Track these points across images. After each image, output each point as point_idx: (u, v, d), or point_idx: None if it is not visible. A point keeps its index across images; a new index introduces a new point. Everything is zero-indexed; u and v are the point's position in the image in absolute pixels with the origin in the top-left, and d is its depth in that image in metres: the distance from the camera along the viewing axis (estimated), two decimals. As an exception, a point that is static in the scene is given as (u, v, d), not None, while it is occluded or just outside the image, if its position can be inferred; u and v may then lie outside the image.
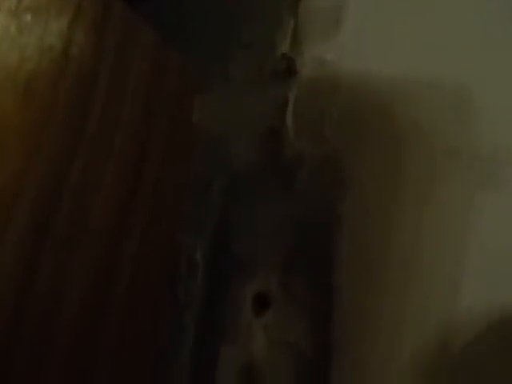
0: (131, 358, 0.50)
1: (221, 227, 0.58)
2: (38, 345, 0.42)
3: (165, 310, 0.54)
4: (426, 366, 0.44)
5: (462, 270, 0.46)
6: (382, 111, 0.51)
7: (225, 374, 0.49)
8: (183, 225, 0.58)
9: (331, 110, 0.54)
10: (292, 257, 0.52)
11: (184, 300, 0.57)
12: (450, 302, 0.44)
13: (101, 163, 0.43)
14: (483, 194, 0.45)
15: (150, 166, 0.48)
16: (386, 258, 0.48)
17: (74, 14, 0.42)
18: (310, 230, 0.52)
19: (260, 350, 0.49)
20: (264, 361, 0.48)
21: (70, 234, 0.41)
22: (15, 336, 0.39)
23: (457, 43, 0.49)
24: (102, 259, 0.46)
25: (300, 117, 0.56)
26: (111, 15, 0.46)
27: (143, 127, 0.49)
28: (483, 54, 0.48)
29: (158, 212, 0.52)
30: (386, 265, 0.48)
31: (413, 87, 0.50)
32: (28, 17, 0.39)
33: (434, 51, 0.50)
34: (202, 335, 0.53)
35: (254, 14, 0.60)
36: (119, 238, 0.45)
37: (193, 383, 0.51)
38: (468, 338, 0.43)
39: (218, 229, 0.58)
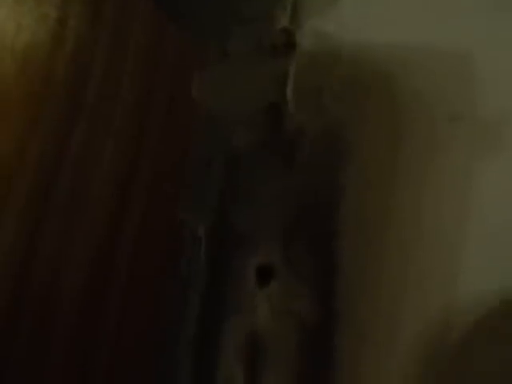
0: (134, 334, 0.50)
1: (223, 202, 0.58)
2: (39, 321, 0.42)
3: (168, 285, 0.54)
4: (428, 334, 0.44)
5: (464, 239, 0.45)
6: (383, 81, 0.51)
7: (229, 344, 0.49)
8: (185, 201, 0.58)
9: (331, 81, 0.54)
10: (294, 228, 0.52)
11: (188, 275, 0.57)
12: (452, 265, 0.44)
13: (100, 136, 0.43)
14: (485, 160, 0.45)
15: (150, 140, 0.48)
16: (386, 227, 0.48)
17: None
18: (311, 202, 0.52)
19: (264, 319, 0.49)
20: (268, 330, 0.48)
21: (71, 207, 0.41)
22: (16, 314, 0.40)
23: (457, 9, 0.49)
24: (102, 234, 0.46)
25: (300, 90, 0.56)
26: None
27: (142, 101, 0.49)
28: (484, 18, 0.48)
29: (159, 187, 0.52)
30: (387, 234, 0.47)
31: (413, 55, 0.50)
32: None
33: (433, 18, 0.49)
34: (207, 308, 0.53)
35: (253, -11, 0.60)
36: (120, 212, 0.46)
37: (197, 355, 0.51)
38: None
39: (219, 204, 0.58)
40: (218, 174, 0.58)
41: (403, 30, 0.51)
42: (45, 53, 0.41)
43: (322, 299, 0.48)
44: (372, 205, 0.49)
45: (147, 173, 0.49)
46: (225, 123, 0.57)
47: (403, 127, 0.49)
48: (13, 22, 0.40)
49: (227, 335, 0.50)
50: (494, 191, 0.45)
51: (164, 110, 0.50)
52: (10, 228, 0.39)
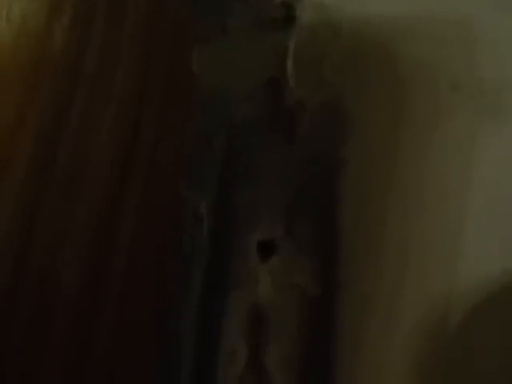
0: (136, 311, 0.50)
1: (224, 178, 0.58)
2: (39, 299, 0.41)
3: (170, 262, 0.54)
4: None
5: (465, 208, 0.45)
6: (384, 50, 0.50)
7: (232, 318, 0.49)
8: (186, 179, 0.57)
9: (332, 54, 0.54)
10: (295, 202, 0.52)
11: (190, 252, 0.57)
12: (456, 234, 0.44)
13: (101, 105, 0.42)
14: (487, 127, 0.45)
15: (150, 111, 0.47)
16: (388, 199, 0.48)
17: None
18: (312, 175, 0.52)
19: (266, 293, 0.49)
20: (270, 303, 0.48)
21: (71, 176, 0.41)
22: (14, 293, 0.39)
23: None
24: (103, 206, 0.45)
25: (300, 64, 0.56)
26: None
27: (141, 73, 0.48)
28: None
29: (160, 161, 0.52)
30: (389, 204, 0.47)
31: (414, 24, 0.49)
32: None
33: (433, -14, 0.49)
34: (209, 284, 0.53)
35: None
36: (121, 183, 0.45)
37: (201, 329, 0.51)
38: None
39: (221, 180, 0.58)
40: (219, 150, 0.58)
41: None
42: (42, 22, 0.40)
43: (324, 270, 0.47)
44: (374, 176, 0.49)
45: (148, 144, 0.48)
46: (225, 98, 0.57)
47: (405, 97, 0.49)
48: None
49: (230, 309, 0.50)
50: (496, 158, 0.45)
51: (163, 81, 0.49)
52: (9, 199, 0.39)
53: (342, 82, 0.52)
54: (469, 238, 0.45)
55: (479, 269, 0.43)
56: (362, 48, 0.52)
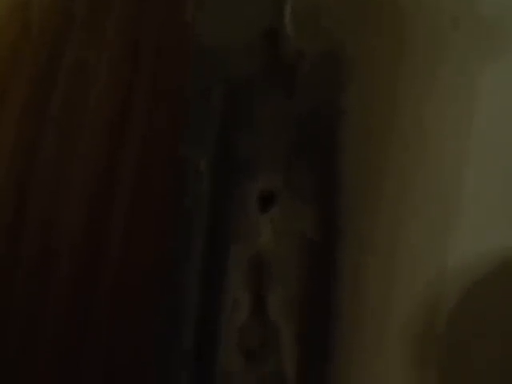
0: (138, 267, 0.50)
1: (223, 133, 0.57)
2: (40, 244, 0.41)
3: (170, 219, 0.54)
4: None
5: (467, 156, 0.45)
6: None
7: (234, 269, 0.49)
8: (185, 136, 0.57)
9: (330, 1, 0.53)
10: (295, 152, 0.52)
11: (192, 209, 0.56)
12: (454, 185, 0.44)
13: (94, 52, 0.42)
14: (487, 66, 0.44)
15: (145, 62, 0.47)
16: (386, 142, 0.47)
17: None
18: (311, 125, 0.52)
19: (267, 243, 0.49)
20: (271, 252, 0.48)
21: (68, 122, 0.40)
22: (16, 237, 0.39)
23: None
24: (101, 158, 0.45)
25: (298, 13, 0.55)
26: None
27: (134, 22, 0.48)
28: None
29: (157, 117, 0.52)
30: (387, 148, 0.47)
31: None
32: None
33: None
34: (211, 238, 0.53)
35: None
36: (119, 136, 0.45)
37: (204, 283, 0.51)
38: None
39: (220, 136, 0.57)
40: (218, 105, 0.57)
41: None
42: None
43: (324, 218, 0.47)
44: (374, 123, 0.49)
45: (144, 98, 0.48)
46: (222, 52, 0.56)
47: (403, 39, 0.48)
48: None
49: (232, 261, 0.50)
50: (497, 97, 0.44)
51: (157, 31, 0.49)
52: (9, 134, 0.38)
53: (340, 29, 0.52)
54: (469, 186, 0.44)
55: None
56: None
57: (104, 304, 0.43)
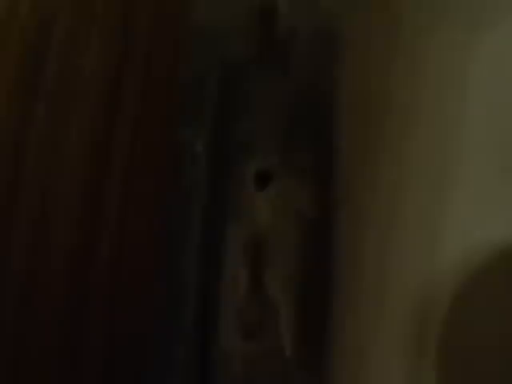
0: (135, 247, 0.50)
1: (219, 114, 0.57)
2: (38, 194, 0.41)
3: (167, 199, 0.54)
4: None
5: (464, 118, 0.45)
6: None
7: (233, 246, 0.49)
8: (182, 119, 0.57)
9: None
10: (291, 129, 0.51)
11: (189, 190, 0.56)
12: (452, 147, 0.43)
13: (85, 24, 0.41)
14: (483, 31, 0.44)
15: (137, 34, 0.46)
16: (384, 116, 0.47)
17: None
18: (307, 101, 0.51)
19: (264, 220, 0.49)
20: (269, 229, 0.48)
21: (59, 93, 0.40)
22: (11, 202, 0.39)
23: None
24: (95, 130, 0.44)
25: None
26: None
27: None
28: None
29: (151, 94, 0.51)
30: (384, 122, 0.47)
31: None
32: None
33: None
34: (210, 217, 0.53)
35: None
36: (111, 108, 0.44)
37: (202, 261, 0.51)
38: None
39: (216, 116, 0.57)
40: (214, 88, 0.57)
41: None
42: None
43: (321, 194, 0.47)
44: (370, 97, 0.48)
45: (136, 73, 0.47)
46: (214, 31, 0.56)
47: (400, 14, 0.48)
48: None
49: (231, 239, 0.50)
50: (492, 62, 0.44)
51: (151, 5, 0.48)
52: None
53: (334, 5, 0.51)
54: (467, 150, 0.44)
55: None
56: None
57: (102, 279, 0.43)
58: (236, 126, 0.56)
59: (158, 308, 0.47)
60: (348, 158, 0.47)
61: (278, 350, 0.44)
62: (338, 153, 0.47)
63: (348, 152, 0.47)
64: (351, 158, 0.46)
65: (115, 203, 0.48)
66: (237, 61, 0.56)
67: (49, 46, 0.39)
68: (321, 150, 0.48)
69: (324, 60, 0.51)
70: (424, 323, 0.43)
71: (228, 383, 0.45)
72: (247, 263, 0.48)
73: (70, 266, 0.42)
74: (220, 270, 0.49)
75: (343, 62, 0.50)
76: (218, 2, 0.56)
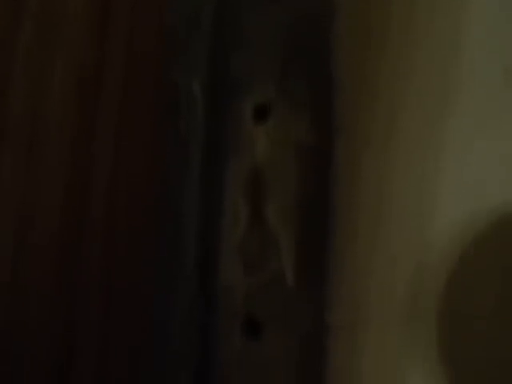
0: (134, 187, 0.49)
1: (213, 53, 0.56)
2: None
3: (165, 137, 0.53)
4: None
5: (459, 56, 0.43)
6: None
7: (232, 181, 0.49)
8: (174, 61, 0.56)
9: None
10: (287, 60, 0.50)
11: (187, 132, 0.56)
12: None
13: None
14: None
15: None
16: (382, 41, 0.46)
17: None
18: (302, 29, 0.50)
19: (263, 154, 0.48)
20: (268, 162, 0.48)
21: (46, 23, 0.39)
22: None
23: None
24: (85, 65, 0.43)
25: None
26: None
27: None
28: None
29: (141, 44, 0.50)
30: (383, 48, 0.45)
31: None
32: None
33: None
34: (208, 155, 0.53)
35: None
36: (100, 38, 0.43)
37: (202, 197, 0.50)
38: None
39: (210, 54, 0.56)
40: (207, 26, 0.56)
41: None
42: None
43: (319, 123, 0.46)
44: (368, 21, 0.47)
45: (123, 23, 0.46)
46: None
47: None
48: None
49: (230, 174, 0.50)
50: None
51: None
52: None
53: None
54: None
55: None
56: None
57: (99, 215, 0.43)
58: (231, 62, 0.55)
59: (158, 245, 0.47)
60: (346, 85, 0.45)
61: (279, 279, 0.44)
62: (336, 80, 0.46)
63: (346, 79, 0.46)
64: (349, 85, 0.45)
65: (111, 142, 0.47)
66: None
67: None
68: (318, 78, 0.47)
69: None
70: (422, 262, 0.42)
71: (230, 317, 0.45)
72: (247, 197, 0.47)
73: (65, 202, 0.42)
74: (220, 206, 0.49)
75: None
76: None
